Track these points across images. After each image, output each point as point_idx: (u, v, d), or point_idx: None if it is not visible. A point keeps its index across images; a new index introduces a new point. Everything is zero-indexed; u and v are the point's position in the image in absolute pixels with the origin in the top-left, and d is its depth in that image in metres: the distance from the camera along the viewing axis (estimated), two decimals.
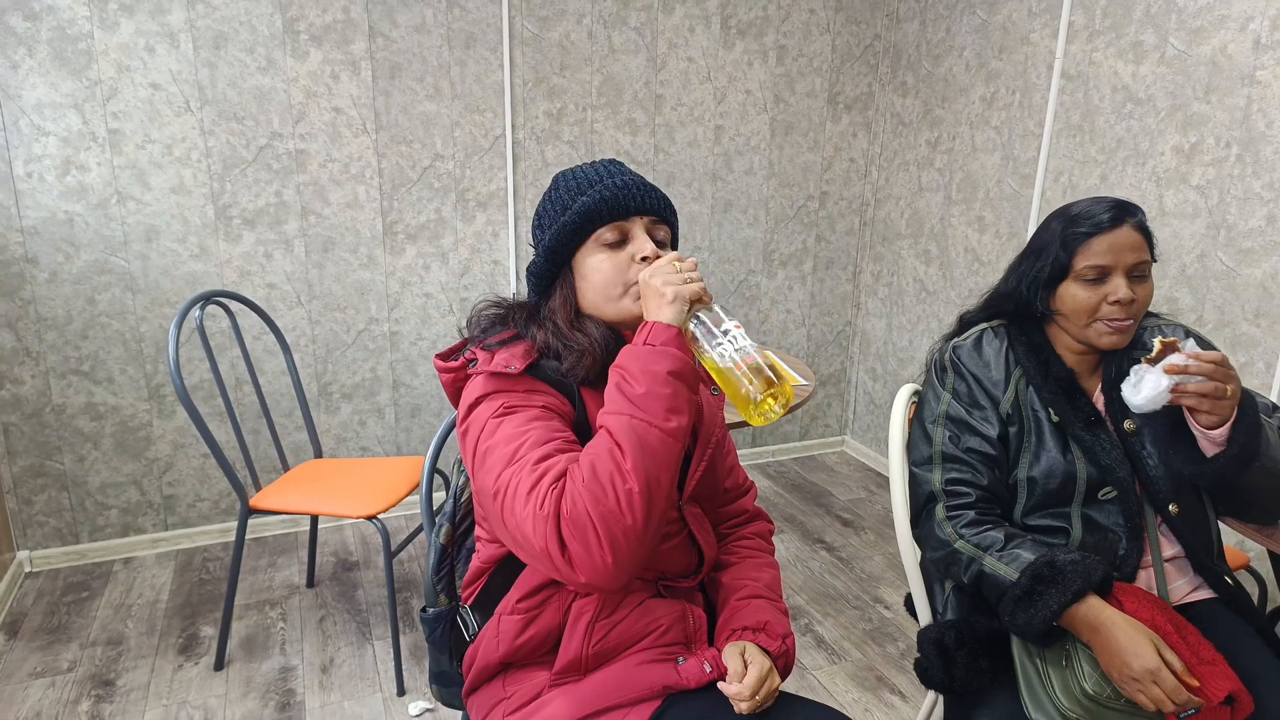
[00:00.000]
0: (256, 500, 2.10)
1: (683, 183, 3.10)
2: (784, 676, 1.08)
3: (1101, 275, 1.27)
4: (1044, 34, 2.57)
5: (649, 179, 3.01)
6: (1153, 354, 1.21)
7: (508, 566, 1.12)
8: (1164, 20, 2.20)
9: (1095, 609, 1.16)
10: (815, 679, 2.17)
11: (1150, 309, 1.42)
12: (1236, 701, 1.14)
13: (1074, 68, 2.48)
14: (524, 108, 2.80)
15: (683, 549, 1.15)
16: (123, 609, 2.42)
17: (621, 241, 1.08)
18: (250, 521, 2.83)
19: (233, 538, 2.79)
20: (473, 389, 1.06)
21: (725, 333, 0.98)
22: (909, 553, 1.41)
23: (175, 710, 2.00)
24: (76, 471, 2.60)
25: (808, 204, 3.33)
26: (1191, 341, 1.21)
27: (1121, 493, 1.30)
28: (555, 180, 1.15)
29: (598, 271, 1.08)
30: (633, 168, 2.98)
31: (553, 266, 1.11)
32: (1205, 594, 1.35)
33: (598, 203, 1.07)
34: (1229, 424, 1.17)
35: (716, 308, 1.01)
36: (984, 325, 1.44)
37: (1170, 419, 1.29)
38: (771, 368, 0.96)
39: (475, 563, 1.15)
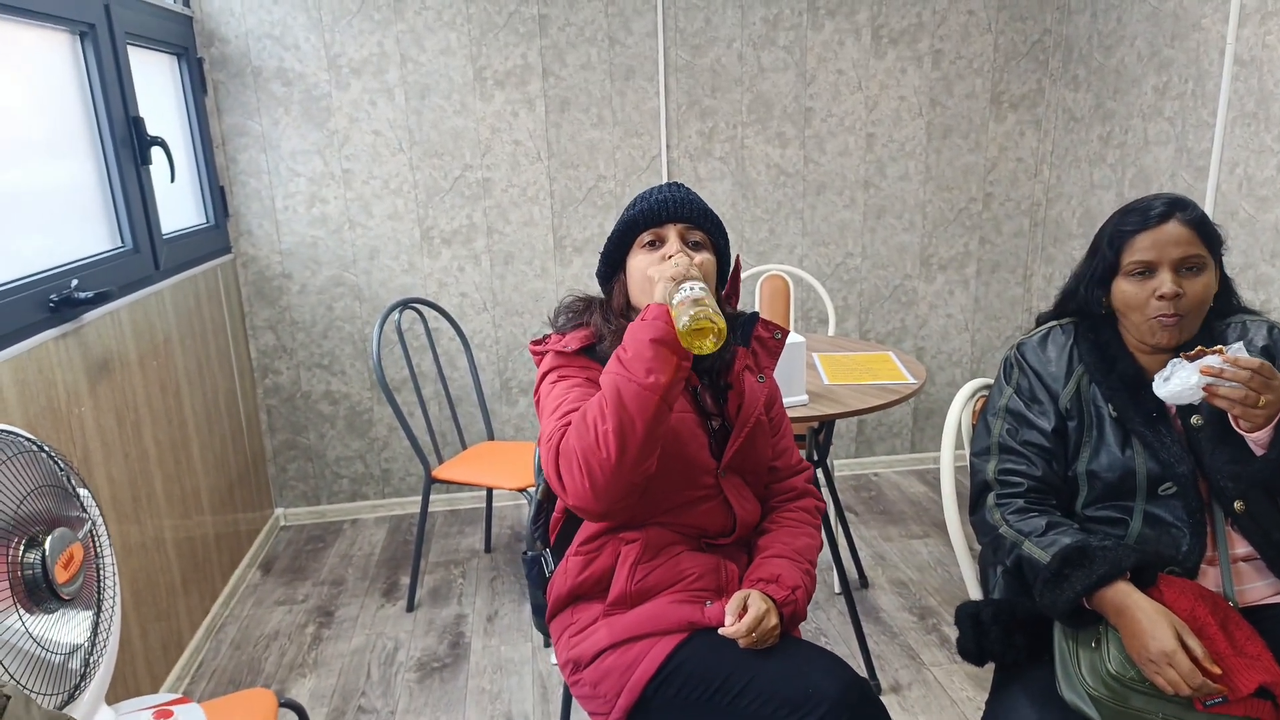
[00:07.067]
0: (438, 472, 2.52)
1: (834, 191, 3.19)
2: (792, 625, 1.24)
3: (1148, 270, 1.29)
4: (1215, 18, 2.40)
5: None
6: (1193, 351, 1.22)
7: (576, 515, 1.37)
8: None
9: (1122, 593, 1.19)
10: (932, 674, 2.21)
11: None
12: (1278, 699, 1.12)
13: (1247, 52, 2.30)
14: (678, 129, 3.06)
15: (718, 511, 1.34)
16: (346, 558, 2.97)
17: (659, 245, 1.32)
18: (448, 495, 3.32)
19: (438, 509, 3.30)
20: (544, 364, 1.34)
21: (683, 290, 1.17)
22: (957, 536, 1.49)
23: (374, 639, 2.46)
24: (318, 446, 3.22)
25: (969, 206, 3.28)
26: (1239, 345, 1.20)
27: (1182, 489, 1.30)
28: None
29: (637, 269, 1.32)
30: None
31: (608, 268, 1.37)
32: None
33: (638, 214, 1.33)
34: (1270, 428, 1.15)
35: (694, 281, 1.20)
36: (1053, 323, 1.48)
37: (1224, 418, 1.27)
38: (701, 302, 1.13)
39: (555, 512, 1.42)
